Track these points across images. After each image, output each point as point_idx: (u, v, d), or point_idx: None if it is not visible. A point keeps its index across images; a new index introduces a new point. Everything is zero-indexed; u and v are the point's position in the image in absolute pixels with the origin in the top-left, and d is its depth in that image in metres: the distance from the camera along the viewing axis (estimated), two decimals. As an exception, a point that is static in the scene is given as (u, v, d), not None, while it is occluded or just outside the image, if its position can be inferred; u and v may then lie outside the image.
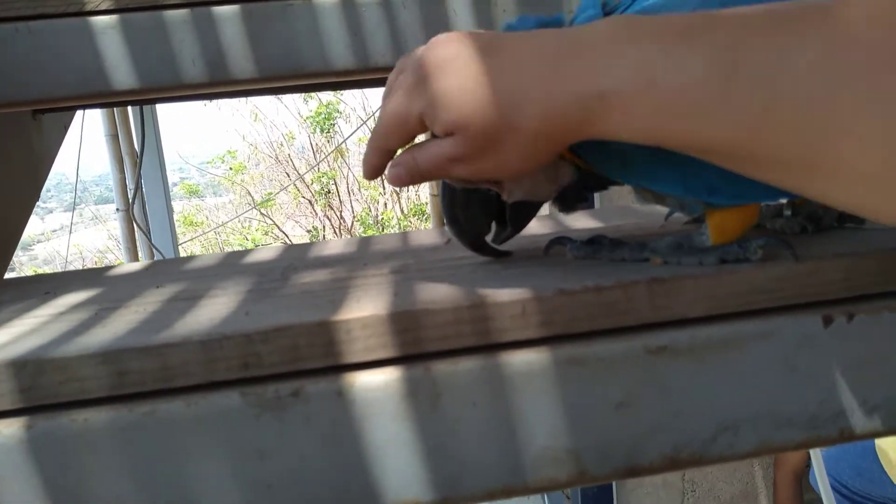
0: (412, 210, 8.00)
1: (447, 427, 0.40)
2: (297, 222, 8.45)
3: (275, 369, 0.39)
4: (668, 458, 0.42)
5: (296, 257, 0.60)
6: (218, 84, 0.75)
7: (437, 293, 0.43)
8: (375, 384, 0.39)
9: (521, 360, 0.40)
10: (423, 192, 7.83)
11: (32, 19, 0.72)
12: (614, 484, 2.43)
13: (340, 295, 0.45)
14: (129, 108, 3.27)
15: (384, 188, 8.26)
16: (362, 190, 8.37)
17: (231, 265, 0.60)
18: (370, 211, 8.26)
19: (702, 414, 0.42)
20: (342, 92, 7.94)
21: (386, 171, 0.44)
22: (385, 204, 8.28)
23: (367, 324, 0.40)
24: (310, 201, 8.24)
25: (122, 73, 0.73)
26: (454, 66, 0.39)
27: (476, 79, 0.38)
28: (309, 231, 8.23)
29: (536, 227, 0.63)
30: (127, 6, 0.72)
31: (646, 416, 0.41)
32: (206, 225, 8.46)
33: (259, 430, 0.38)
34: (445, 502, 0.41)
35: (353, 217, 8.20)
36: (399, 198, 8.22)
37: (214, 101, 8.22)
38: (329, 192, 8.16)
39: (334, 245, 0.65)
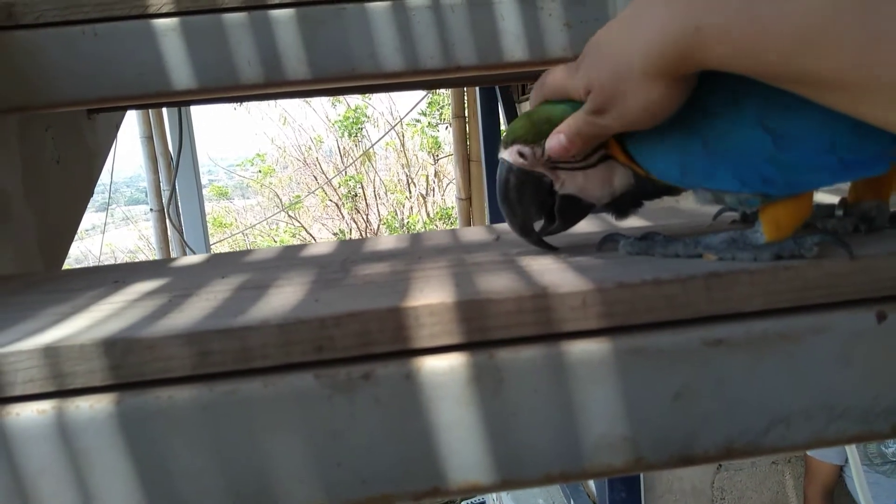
0: (438, 214, 8.03)
1: (508, 412, 0.42)
2: (323, 225, 8.52)
3: (347, 353, 0.41)
4: (722, 448, 0.43)
5: (352, 251, 0.62)
6: (272, 85, 0.77)
7: (498, 284, 0.44)
8: (441, 369, 0.41)
9: (582, 349, 0.41)
10: (449, 197, 7.86)
11: (98, 22, 0.75)
12: (642, 490, 2.42)
13: (403, 285, 0.47)
14: (165, 110, 3.34)
15: (410, 192, 8.31)
16: (388, 194, 8.43)
17: (289, 258, 0.62)
18: (396, 214, 8.31)
19: (756, 406, 0.43)
20: (370, 97, 8.01)
21: (547, 144, 0.49)
22: (411, 208, 8.32)
23: (433, 311, 0.41)
24: (337, 204, 8.32)
25: (181, 73, 0.76)
26: (595, 39, 0.46)
27: (600, 41, 0.45)
28: (335, 234, 8.30)
29: (586, 225, 0.64)
30: (187, 9, 0.75)
31: (701, 407, 0.43)
32: (235, 226, 8.57)
33: (331, 410, 0.40)
34: (505, 485, 0.42)
35: (380, 220, 8.25)
36: (425, 202, 8.25)
37: (244, 105, 8.34)
38: (356, 195, 8.22)
39: (387, 241, 0.66)
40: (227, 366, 0.40)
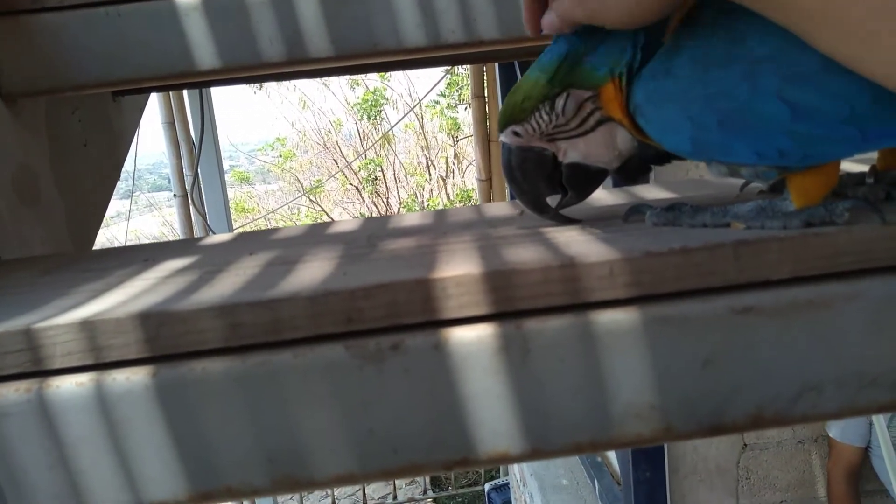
0: (458, 196, 8.02)
1: (536, 382, 0.42)
2: (344, 209, 8.56)
3: (376, 324, 0.41)
4: (752, 416, 0.43)
5: (377, 228, 0.62)
6: (294, 63, 0.78)
7: (524, 255, 0.44)
8: (469, 339, 0.41)
9: (609, 318, 0.41)
10: (469, 179, 7.84)
11: (121, 3, 0.75)
12: (667, 470, 2.42)
13: (429, 259, 0.47)
14: (186, 96, 3.36)
15: (430, 175, 8.30)
16: (408, 177, 8.43)
17: (315, 235, 0.62)
18: (416, 197, 8.31)
19: (786, 374, 0.43)
20: (389, 79, 7.99)
21: (542, 21, 0.48)
22: (431, 191, 8.32)
23: (460, 282, 0.41)
24: (357, 188, 8.34)
25: (204, 53, 0.77)
26: None
27: None
28: (356, 218, 8.32)
29: (611, 198, 0.64)
30: (209, -12, 0.75)
31: (731, 375, 0.42)
32: (257, 211, 8.64)
33: (361, 380, 0.41)
34: (534, 454, 0.43)
35: (400, 203, 8.26)
36: (445, 184, 8.24)
37: (264, 89, 8.36)
38: (376, 178, 8.23)
39: (411, 217, 0.67)
40: (259, 338, 0.41)
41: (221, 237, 0.68)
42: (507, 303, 0.42)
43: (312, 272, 0.46)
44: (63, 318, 0.41)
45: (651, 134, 0.48)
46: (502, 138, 0.52)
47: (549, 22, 0.48)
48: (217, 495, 0.41)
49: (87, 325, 0.40)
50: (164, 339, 0.40)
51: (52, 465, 0.40)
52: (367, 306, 0.41)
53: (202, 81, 0.91)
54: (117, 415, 0.40)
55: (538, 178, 0.52)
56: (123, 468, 0.40)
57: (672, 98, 0.46)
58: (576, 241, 0.47)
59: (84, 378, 0.40)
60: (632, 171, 0.53)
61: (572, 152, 0.51)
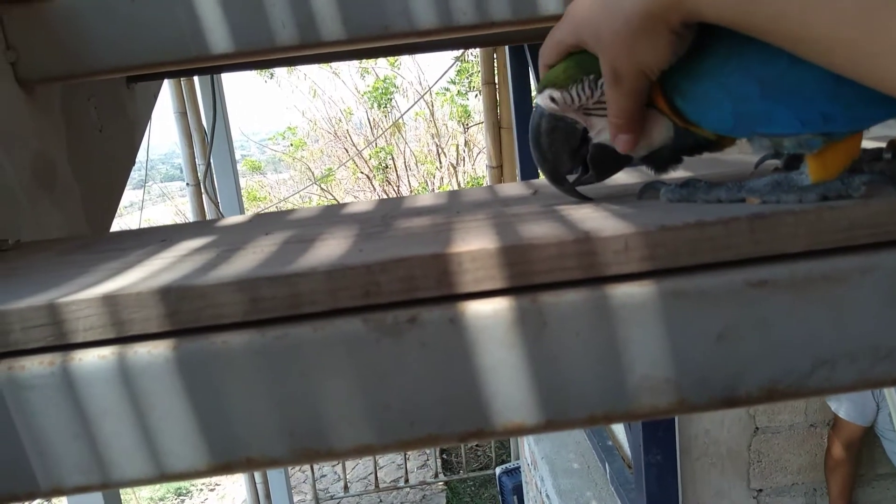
0: (469, 183, 8.01)
1: (552, 355, 0.42)
2: (355, 197, 8.57)
3: (393, 297, 0.41)
4: (765, 389, 0.43)
5: (391, 208, 0.63)
6: (306, 47, 0.78)
7: (539, 231, 0.44)
8: (485, 313, 0.41)
9: (624, 292, 0.42)
10: (480, 166, 7.83)
11: (135, -12, 0.76)
12: (678, 453, 2.42)
13: (445, 236, 0.47)
14: (198, 85, 3.37)
15: (440, 162, 8.29)
16: (419, 165, 8.42)
17: (330, 216, 0.63)
18: (427, 185, 8.31)
19: (800, 347, 0.43)
20: (399, 66, 7.96)
21: (617, 144, 0.50)
22: (442, 178, 8.31)
23: (476, 257, 0.42)
24: (368, 176, 8.34)
25: (217, 36, 0.77)
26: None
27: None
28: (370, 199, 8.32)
29: (626, 176, 0.64)
30: (222, -28, 0.75)
31: (745, 349, 0.43)
32: (269, 200, 8.66)
33: (379, 353, 0.41)
34: (549, 425, 0.43)
35: (411, 191, 8.25)
36: (455, 172, 8.23)
37: (274, 78, 8.36)
38: (387, 167, 8.23)
39: (425, 198, 0.67)
40: (278, 312, 0.41)
41: (237, 218, 0.69)
42: (523, 277, 0.42)
43: (329, 249, 0.47)
44: (85, 294, 0.42)
45: (689, 113, 0.48)
46: (538, 100, 0.52)
47: (624, 141, 0.50)
48: (237, 466, 0.42)
49: (109, 300, 0.41)
50: (184, 314, 0.41)
51: (76, 436, 0.41)
52: (384, 280, 0.41)
53: (215, 66, 0.91)
54: (139, 387, 0.41)
55: (564, 149, 0.52)
56: (145, 439, 0.41)
57: (709, 73, 0.45)
58: (591, 217, 0.47)
59: (106, 351, 0.41)
60: (663, 160, 0.53)
61: (605, 132, 0.51)
